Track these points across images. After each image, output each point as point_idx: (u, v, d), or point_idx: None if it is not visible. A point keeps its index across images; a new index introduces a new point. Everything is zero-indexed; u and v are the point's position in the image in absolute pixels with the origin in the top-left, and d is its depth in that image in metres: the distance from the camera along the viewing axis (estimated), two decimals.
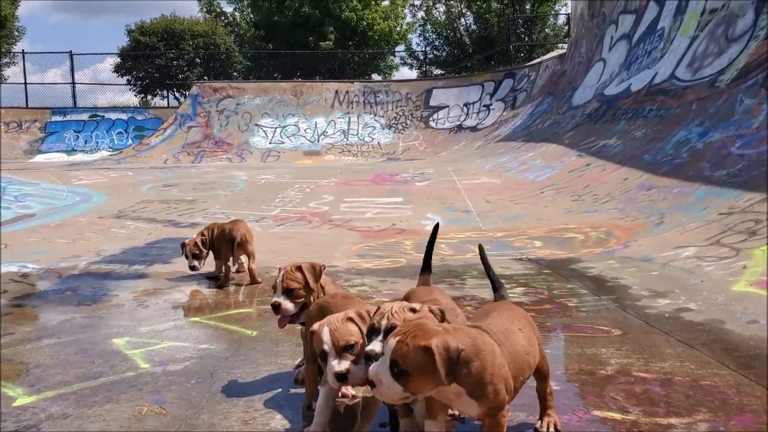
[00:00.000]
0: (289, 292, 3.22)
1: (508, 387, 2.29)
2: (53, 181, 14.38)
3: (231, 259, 6.00)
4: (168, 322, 4.70)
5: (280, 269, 3.32)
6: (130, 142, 28.04)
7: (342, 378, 2.53)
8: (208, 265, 6.34)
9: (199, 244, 6.16)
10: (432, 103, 26.23)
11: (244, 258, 6.32)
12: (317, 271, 3.30)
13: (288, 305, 3.25)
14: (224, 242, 5.95)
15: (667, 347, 3.82)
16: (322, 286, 3.34)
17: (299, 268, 3.27)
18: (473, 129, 24.02)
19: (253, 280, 5.94)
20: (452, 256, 7.21)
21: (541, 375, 2.71)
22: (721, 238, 6.24)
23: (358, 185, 14.02)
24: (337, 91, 27.22)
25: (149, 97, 45.49)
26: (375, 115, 26.49)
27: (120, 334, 4.36)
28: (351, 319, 2.63)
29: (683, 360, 3.57)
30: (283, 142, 25.42)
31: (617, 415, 2.88)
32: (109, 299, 5.44)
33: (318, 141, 25.59)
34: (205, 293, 5.73)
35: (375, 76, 44.62)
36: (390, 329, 2.36)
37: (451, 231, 8.89)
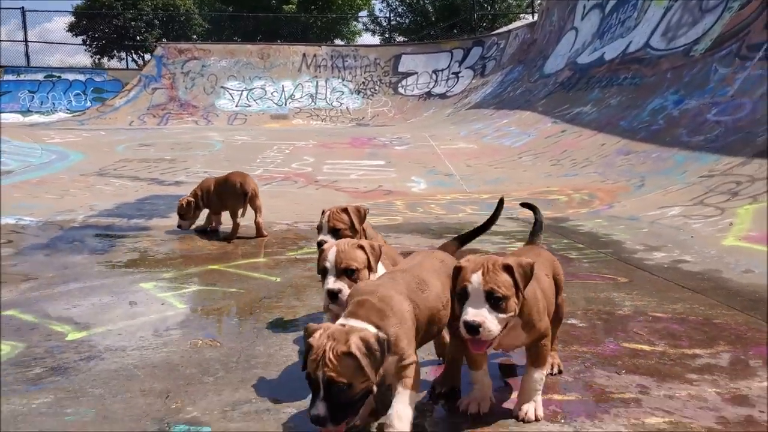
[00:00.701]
0: (335, 232, 3.32)
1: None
2: (24, 139, 14.04)
3: (240, 211, 6.06)
4: (188, 269, 4.79)
5: (324, 211, 3.43)
6: (88, 104, 27.27)
7: (333, 297, 2.57)
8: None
9: (185, 205, 6.19)
10: (401, 69, 26.20)
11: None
12: (362, 214, 3.40)
13: None
14: (233, 195, 5.98)
15: (674, 292, 4.09)
16: (364, 229, 3.47)
17: (345, 210, 3.38)
18: (442, 96, 24.12)
19: (259, 233, 6.03)
20: (446, 215, 7.40)
21: (556, 317, 2.82)
22: (704, 198, 6.56)
23: (337, 148, 14.07)
24: (304, 55, 26.93)
25: (105, 59, 44.29)
26: (343, 79, 26.35)
27: (145, 280, 4.44)
28: (361, 247, 2.71)
29: (692, 303, 3.83)
30: (249, 106, 25.14)
31: (645, 347, 3.12)
32: (119, 248, 5.48)
33: (285, 105, 25.38)
34: (214, 244, 5.80)
35: (338, 42, 44.23)
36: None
37: (438, 193, 9.10)
